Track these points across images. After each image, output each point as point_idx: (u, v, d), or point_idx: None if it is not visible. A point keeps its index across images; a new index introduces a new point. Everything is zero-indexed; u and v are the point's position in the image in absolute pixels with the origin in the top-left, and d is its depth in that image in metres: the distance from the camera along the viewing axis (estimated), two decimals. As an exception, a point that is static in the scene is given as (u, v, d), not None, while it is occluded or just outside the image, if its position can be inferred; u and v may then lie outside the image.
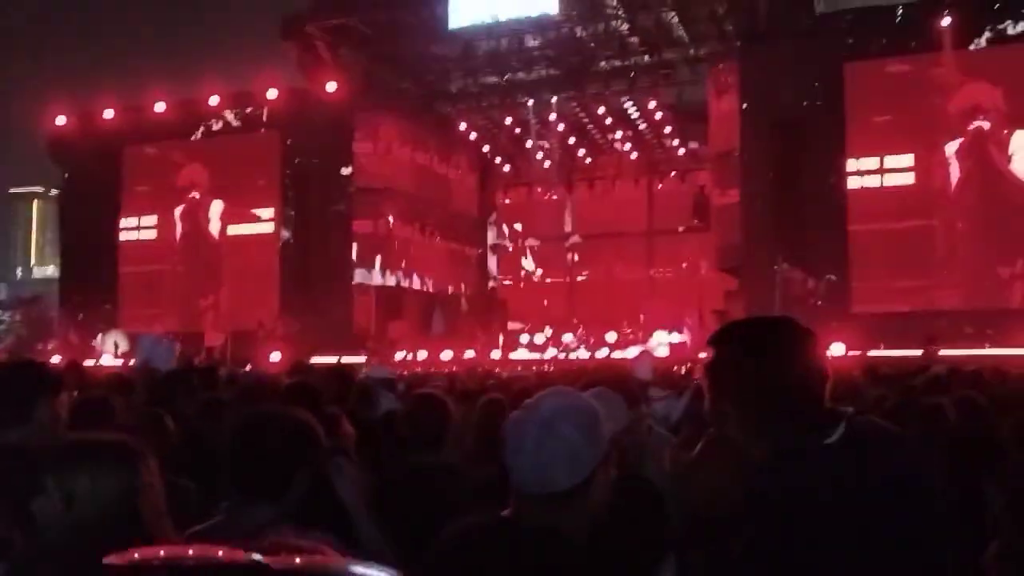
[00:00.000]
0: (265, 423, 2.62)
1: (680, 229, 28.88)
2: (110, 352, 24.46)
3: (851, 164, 20.52)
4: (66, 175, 28.62)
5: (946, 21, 19.52)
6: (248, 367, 14.84)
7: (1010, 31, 19.32)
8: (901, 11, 20.29)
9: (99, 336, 25.87)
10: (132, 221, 27.65)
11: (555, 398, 1.92)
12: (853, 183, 20.54)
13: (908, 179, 20.42)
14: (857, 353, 15.76)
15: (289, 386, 4.15)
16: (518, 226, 32.09)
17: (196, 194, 26.76)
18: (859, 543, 1.70)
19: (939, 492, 1.84)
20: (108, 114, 27.20)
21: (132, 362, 15.93)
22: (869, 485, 1.74)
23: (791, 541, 1.71)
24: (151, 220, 27.42)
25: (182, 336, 23.87)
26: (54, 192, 30.65)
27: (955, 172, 20.05)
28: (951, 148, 20.02)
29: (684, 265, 29.04)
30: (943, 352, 15.10)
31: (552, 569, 1.77)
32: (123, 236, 27.60)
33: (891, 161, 20.52)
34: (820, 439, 1.77)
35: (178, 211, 27.00)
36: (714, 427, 1.92)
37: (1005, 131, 19.67)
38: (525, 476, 1.82)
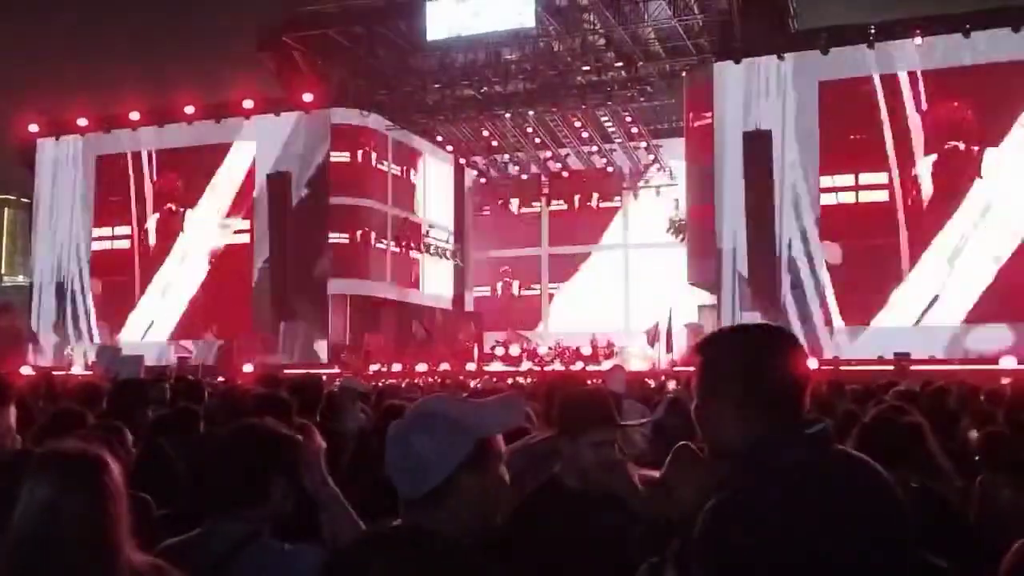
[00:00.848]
0: (235, 438, 2.61)
1: (655, 244, 28.95)
2: (80, 362, 24.22)
3: (825, 181, 20.71)
4: (38, 182, 28.36)
5: (917, 41, 19.80)
6: (220, 378, 14.74)
7: (981, 50, 19.57)
8: (873, 30, 20.54)
9: (70, 346, 25.61)
10: (105, 231, 27.42)
11: (415, 407, 2.03)
12: (827, 199, 20.73)
13: (881, 196, 20.63)
14: (829, 368, 15.88)
15: (257, 397, 4.11)
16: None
17: (171, 204, 26.60)
18: (831, 527, 1.77)
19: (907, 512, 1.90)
20: (82, 122, 26.99)
21: (93, 372, 15.82)
22: (845, 477, 1.86)
23: (769, 522, 1.76)
24: (124, 230, 27.20)
25: (155, 347, 23.76)
26: (25, 200, 30.27)
27: (927, 189, 20.27)
28: (923, 166, 20.26)
29: (659, 278, 29.10)
30: (914, 367, 15.26)
31: (433, 570, 1.84)
32: (96, 246, 27.36)
33: (866, 178, 20.75)
34: (801, 429, 1.88)
35: (152, 221, 26.82)
36: (698, 424, 1.98)
37: (976, 148, 19.94)
38: (395, 483, 1.93)
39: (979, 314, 19.39)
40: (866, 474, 1.89)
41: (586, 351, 24.24)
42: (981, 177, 19.81)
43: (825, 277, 20.46)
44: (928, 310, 19.85)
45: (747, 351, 1.96)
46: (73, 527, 1.81)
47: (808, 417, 1.92)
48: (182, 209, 26.55)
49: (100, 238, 27.42)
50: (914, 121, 20.25)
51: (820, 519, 1.77)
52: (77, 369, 23.13)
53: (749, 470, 1.85)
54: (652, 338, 21.80)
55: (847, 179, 20.78)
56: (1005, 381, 11.36)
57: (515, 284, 31.88)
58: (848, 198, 20.75)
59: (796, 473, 1.82)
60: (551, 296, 31.45)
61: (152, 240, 26.87)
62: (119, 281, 26.78)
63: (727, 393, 1.92)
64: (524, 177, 30.71)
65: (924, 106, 20.15)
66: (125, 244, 27.23)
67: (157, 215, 26.80)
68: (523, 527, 2.04)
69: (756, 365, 1.92)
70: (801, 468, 1.82)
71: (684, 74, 23.44)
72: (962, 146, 20.03)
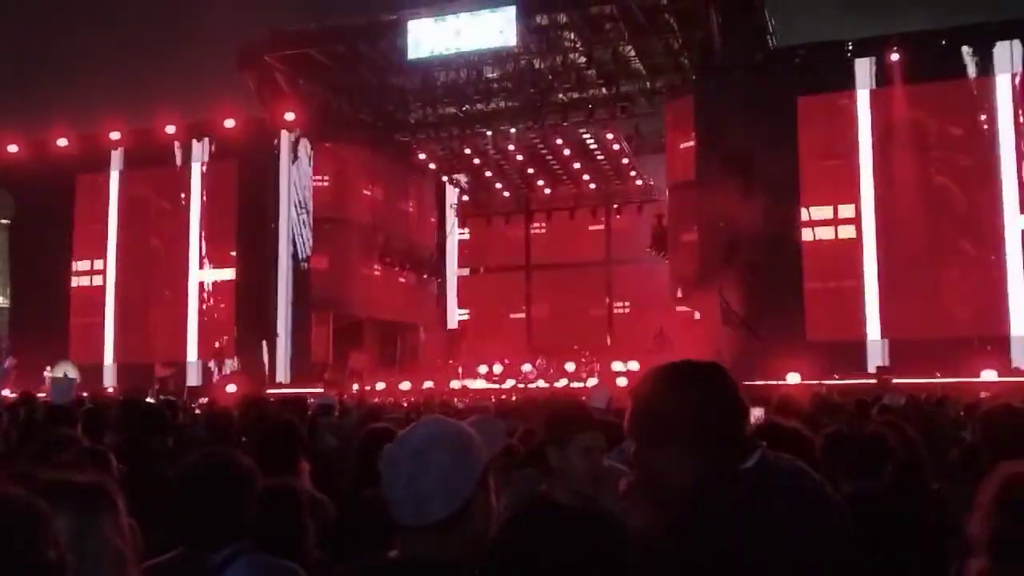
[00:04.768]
0: (209, 478, 2.60)
1: (638, 261, 29.00)
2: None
3: (803, 213, 20.75)
4: (17, 205, 28.13)
5: (894, 57, 19.98)
6: (204, 400, 14.65)
7: (958, 67, 19.76)
8: (851, 47, 20.72)
9: (48, 367, 25.34)
10: (84, 264, 27.11)
11: (426, 427, 1.94)
12: (806, 235, 20.79)
13: (865, 229, 20.62)
14: (812, 382, 15.93)
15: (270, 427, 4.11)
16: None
17: (150, 223, 26.41)
18: (773, 562, 1.80)
19: (846, 525, 1.92)
20: (62, 142, 26.80)
21: None
22: (781, 506, 1.87)
23: (720, 560, 1.79)
24: (101, 262, 26.87)
25: (135, 368, 23.60)
26: (4, 221, 30.04)
27: (908, 215, 20.28)
28: (902, 187, 20.32)
29: (642, 296, 29.16)
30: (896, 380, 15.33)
31: None
32: (75, 281, 26.98)
33: (845, 211, 20.79)
34: (738, 464, 1.90)
35: (133, 240, 26.59)
36: (639, 470, 1.96)
37: (956, 168, 20.05)
38: (402, 508, 1.83)
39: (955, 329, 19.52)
40: (800, 493, 1.90)
41: (570, 368, 24.21)
42: (961, 196, 19.95)
43: (806, 292, 20.53)
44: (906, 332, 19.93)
45: (686, 393, 1.94)
46: (97, 555, 1.80)
47: (743, 448, 1.91)
48: (161, 229, 26.38)
49: (79, 272, 27.08)
50: (892, 140, 20.37)
51: (755, 553, 1.78)
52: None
53: (687, 516, 1.84)
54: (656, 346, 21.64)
55: (826, 211, 20.90)
56: (984, 394, 11.39)
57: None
58: (827, 233, 20.84)
59: (740, 507, 1.82)
60: (535, 313, 31.40)
61: (132, 261, 26.63)
62: (97, 323, 26.55)
63: (672, 437, 1.90)
64: (506, 195, 30.78)
65: (901, 124, 20.27)
66: (107, 276, 26.89)
67: (135, 235, 26.60)
68: (507, 548, 2.02)
69: (698, 406, 1.91)
70: (743, 504, 1.83)
71: (665, 91, 23.57)
72: (939, 164, 20.17)
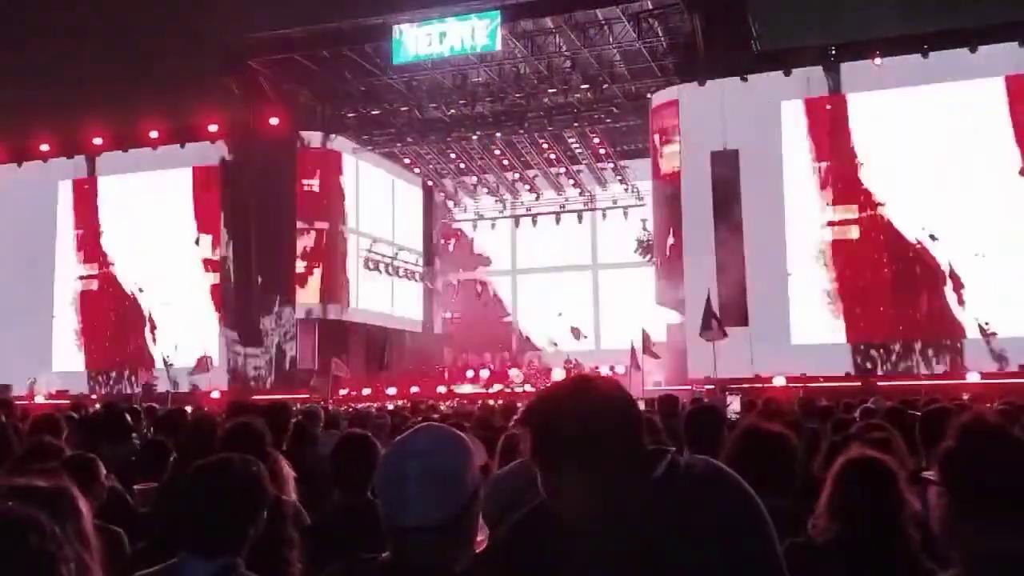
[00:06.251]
0: (216, 483, 2.57)
1: (624, 264, 29.06)
2: (43, 392, 23.82)
3: (789, 201, 20.84)
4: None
5: (877, 61, 20.09)
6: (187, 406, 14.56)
7: (939, 70, 19.88)
8: (834, 51, 20.82)
9: (32, 376, 25.19)
10: (71, 268, 26.89)
11: (432, 430, 1.96)
12: (792, 220, 20.85)
13: (851, 232, 20.72)
14: (798, 385, 16.00)
15: (230, 429, 4.03)
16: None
17: (134, 229, 26.28)
18: (694, 567, 1.77)
19: (764, 527, 1.89)
20: (44, 147, 26.64)
21: None
22: (694, 516, 1.82)
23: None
24: (90, 269, 26.74)
25: (118, 374, 23.44)
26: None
27: (893, 219, 20.39)
28: (891, 193, 20.43)
29: (629, 298, 29.22)
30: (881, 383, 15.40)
31: None
32: (59, 287, 26.87)
33: (837, 213, 20.88)
34: (646, 476, 1.85)
35: (114, 246, 26.45)
36: (550, 497, 1.91)
37: (942, 172, 20.16)
38: (404, 507, 1.81)
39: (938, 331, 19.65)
40: (715, 494, 1.87)
41: (557, 373, 24.23)
42: (945, 200, 20.05)
43: (790, 293, 20.62)
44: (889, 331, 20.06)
45: (582, 411, 1.86)
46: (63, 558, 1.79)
47: (650, 458, 1.87)
48: (148, 234, 26.24)
49: (81, 275, 26.95)
50: (876, 144, 20.48)
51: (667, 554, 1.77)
52: (39, 399, 22.72)
53: (602, 529, 1.81)
54: (633, 359, 21.72)
55: (814, 202, 20.99)
56: (966, 396, 11.50)
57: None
58: (817, 235, 20.96)
59: (649, 522, 1.79)
60: (521, 317, 31.41)
61: (116, 267, 26.50)
62: (84, 308, 26.42)
63: (573, 458, 1.82)
64: (492, 199, 30.78)
65: (886, 127, 20.36)
66: (92, 285, 26.80)
67: (122, 240, 26.47)
68: (512, 556, 2.00)
69: (596, 423, 1.84)
70: (651, 518, 1.79)
71: (649, 95, 23.63)
72: (923, 167, 20.26)
